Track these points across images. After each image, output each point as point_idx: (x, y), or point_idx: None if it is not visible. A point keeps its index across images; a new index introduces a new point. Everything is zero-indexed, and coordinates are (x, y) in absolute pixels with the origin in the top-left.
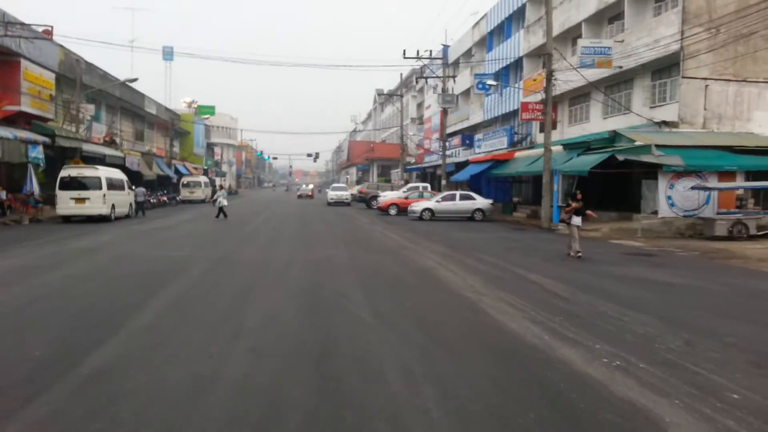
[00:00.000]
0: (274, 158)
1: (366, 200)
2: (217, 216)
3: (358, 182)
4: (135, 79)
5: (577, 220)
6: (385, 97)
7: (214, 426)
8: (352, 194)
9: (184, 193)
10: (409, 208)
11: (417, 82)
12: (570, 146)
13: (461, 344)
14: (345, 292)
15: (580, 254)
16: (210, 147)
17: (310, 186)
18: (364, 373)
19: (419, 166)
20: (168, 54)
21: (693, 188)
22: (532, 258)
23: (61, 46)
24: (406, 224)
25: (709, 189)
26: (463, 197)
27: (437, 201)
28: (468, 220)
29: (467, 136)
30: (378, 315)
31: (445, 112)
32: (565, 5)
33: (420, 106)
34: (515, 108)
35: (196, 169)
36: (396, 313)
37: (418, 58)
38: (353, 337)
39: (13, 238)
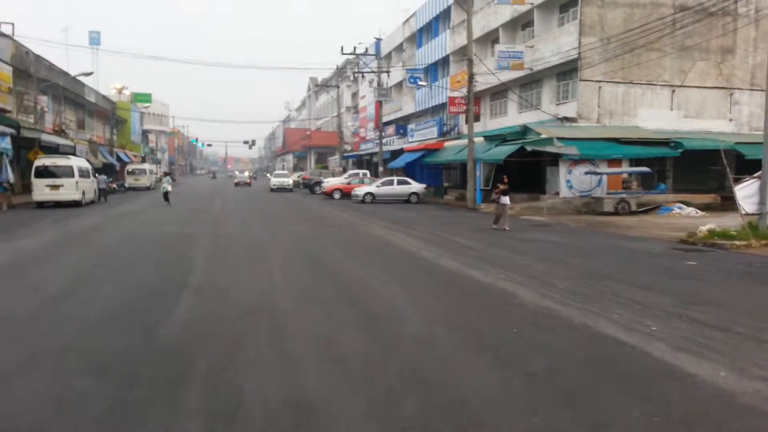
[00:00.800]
0: (209, 145)
1: (309, 186)
2: (166, 200)
3: (294, 169)
4: (90, 73)
5: (505, 200)
6: (320, 86)
7: (273, 280)
8: (294, 180)
9: (130, 181)
10: (352, 193)
11: (352, 73)
12: (490, 138)
13: (409, 271)
14: (327, 251)
15: (506, 228)
16: (144, 134)
17: (246, 173)
18: (355, 282)
19: (356, 153)
20: (95, 39)
21: (587, 173)
22: (458, 228)
23: (12, 39)
24: (351, 206)
25: (600, 174)
26: (400, 182)
27: (377, 186)
28: (404, 202)
29: (401, 126)
30: (354, 261)
31: (380, 104)
32: (485, 10)
33: (355, 95)
34: (444, 101)
35: (135, 156)
36: (365, 260)
37: (355, 54)
38: (342, 272)
39: (10, 222)
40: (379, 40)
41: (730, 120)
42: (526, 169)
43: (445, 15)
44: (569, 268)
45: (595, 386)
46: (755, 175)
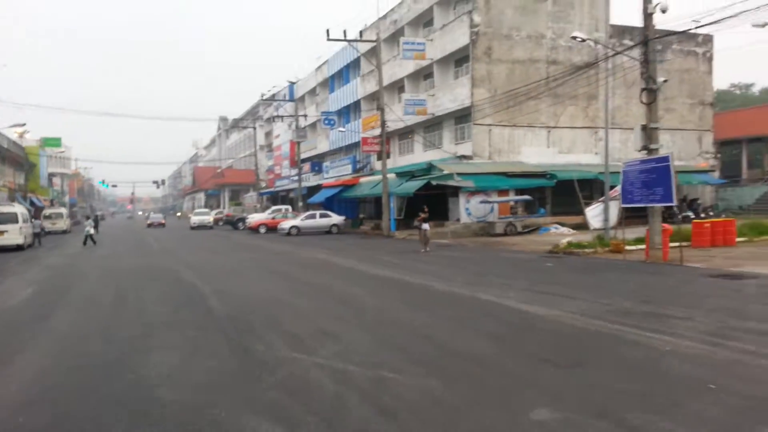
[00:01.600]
0: (114, 186)
1: (232, 222)
2: (84, 243)
3: (205, 206)
4: (23, 124)
5: (425, 226)
6: (230, 124)
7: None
8: (215, 218)
9: (47, 224)
10: (278, 226)
11: (272, 117)
12: (400, 174)
13: (357, 278)
14: (289, 270)
15: (428, 250)
16: (49, 177)
17: (160, 214)
18: (324, 285)
19: (272, 190)
20: None
21: (481, 202)
22: (380, 251)
23: None
24: (280, 239)
25: (492, 202)
26: (322, 215)
27: (301, 219)
28: (326, 233)
29: (316, 163)
30: (313, 274)
31: (297, 144)
32: (391, 62)
33: (269, 134)
34: (357, 140)
35: (45, 200)
36: (320, 274)
37: (273, 100)
38: (310, 281)
39: None
40: (292, 83)
41: (596, 153)
42: (432, 199)
43: (355, 64)
44: (466, 271)
45: (477, 319)
46: (600, 199)
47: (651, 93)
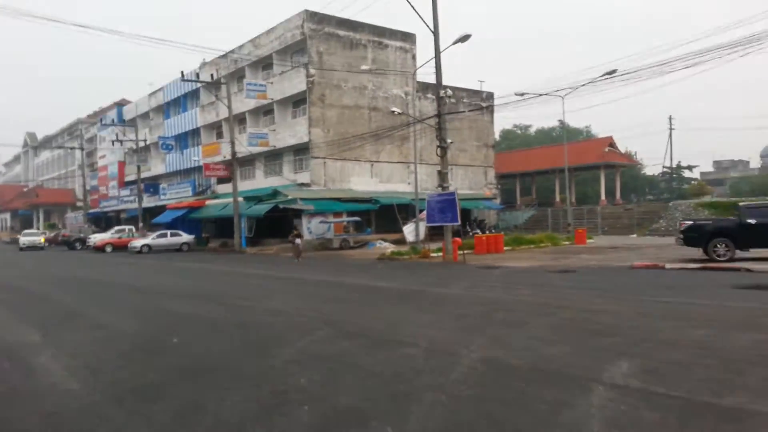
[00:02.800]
0: None
1: (69, 243)
2: None
3: (12, 228)
4: None
5: (297, 241)
6: (41, 141)
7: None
8: (48, 238)
9: None
10: (130, 245)
11: (113, 141)
12: (248, 198)
13: (262, 278)
14: (176, 281)
15: (297, 260)
16: None
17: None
18: (217, 281)
19: (98, 210)
20: None
21: (321, 222)
22: (240, 263)
23: None
24: (133, 256)
25: (329, 222)
26: (173, 234)
27: (153, 238)
28: (177, 251)
29: (151, 185)
30: (203, 277)
31: (138, 167)
32: (233, 98)
33: (92, 153)
34: (196, 165)
35: None
36: (209, 277)
37: (102, 124)
38: (208, 277)
39: None
40: (121, 106)
41: (408, 183)
42: (278, 220)
43: (193, 95)
44: (328, 270)
45: (346, 288)
46: (413, 220)
47: (443, 149)
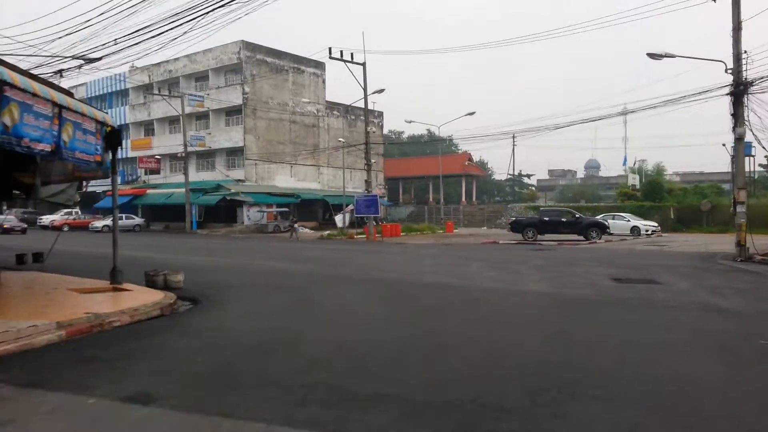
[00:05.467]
0: None
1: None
2: None
3: None
4: None
5: (296, 228)
6: None
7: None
8: None
9: None
10: (90, 225)
11: None
12: (194, 190)
13: (256, 247)
14: (156, 247)
15: (298, 239)
16: None
17: None
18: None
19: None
20: None
21: (258, 211)
22: (199, 241)
23: None
24: (96, 234)
25: (264, 211)
26: (128, 217)
27: (111, 220)
28: (131, 231)
29: None
30: (186, 247)
31: None
32: (164, 102)
33: None
34: (126, 156)
35: None
36: (187, 243)
37: None
38: (197, 247)
39: None
40: None
41: (319, 182)
42: (223, 209)
43: (121, 93)
44: (260, 239)
45: (296, 252)
46: (343, 210)
47: (369, 166)
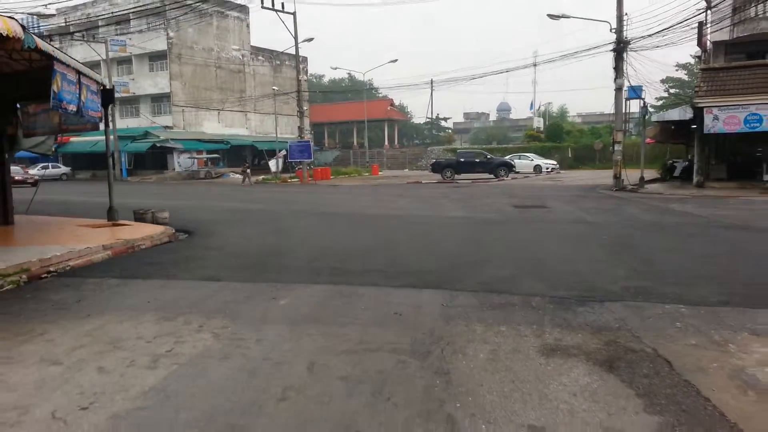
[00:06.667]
0: None
1: None
2: None
3: None
4: None
5: (248, 172)
6: None
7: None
8: None
9: None
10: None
11: None
12: (122, 137)
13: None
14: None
15: (252, 184)
16: None
17: None
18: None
19: None
20: None
21: (188, 158)
22: (126, 186)
23: None
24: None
25: (194, 158)
26: (54, 167)
27: (38, 170)
28: (58, 180)
29: None
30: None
31: None
32: (84, 46)
33: None
34: None
35: None
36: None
37: None
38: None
39: None
40: None
41: (247, 128)
42: (154, 156)
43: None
44: (199, 184)
45: (251, 191)
46: (276, 155)
47: (301, 113)
